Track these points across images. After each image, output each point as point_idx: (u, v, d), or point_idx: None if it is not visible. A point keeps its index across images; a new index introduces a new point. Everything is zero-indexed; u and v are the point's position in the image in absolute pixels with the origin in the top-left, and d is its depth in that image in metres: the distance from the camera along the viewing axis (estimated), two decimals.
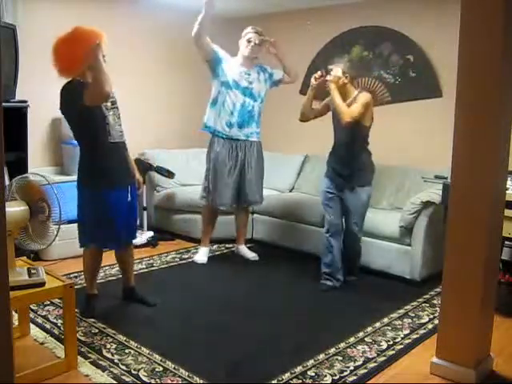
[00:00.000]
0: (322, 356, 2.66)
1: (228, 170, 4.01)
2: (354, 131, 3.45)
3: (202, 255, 4.22)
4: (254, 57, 4.09)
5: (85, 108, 2.78)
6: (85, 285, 3.24)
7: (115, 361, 2.55)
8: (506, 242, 3.47)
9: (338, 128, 3.53)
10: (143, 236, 4.58)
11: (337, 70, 3.46)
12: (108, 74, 2.75)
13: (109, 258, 3.68)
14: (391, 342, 2.84)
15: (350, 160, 3.54)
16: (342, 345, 2.79)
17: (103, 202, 2.93)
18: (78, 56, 2.78)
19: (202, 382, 2.39)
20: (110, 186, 2.94)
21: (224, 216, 4.38)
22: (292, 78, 4.22)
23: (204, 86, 4.25)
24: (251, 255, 4.31)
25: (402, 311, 3.27)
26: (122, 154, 3.02)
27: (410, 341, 2.87)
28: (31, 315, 2.98)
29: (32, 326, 2.88)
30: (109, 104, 2.92)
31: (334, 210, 3.60)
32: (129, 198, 3.03)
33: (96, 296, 3.17)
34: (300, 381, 2.43)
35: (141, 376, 2.42)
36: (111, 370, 2.47)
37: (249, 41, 4.00)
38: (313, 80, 3.59)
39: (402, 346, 2.80)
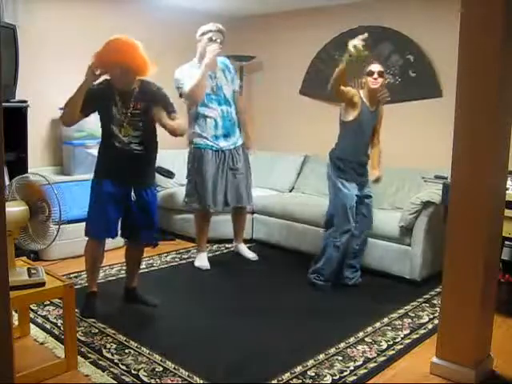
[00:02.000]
0: (321, 356, 2.66)
1: (216, 174, 3.94)
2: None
3: (203, 261, 4.08)
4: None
5: None
6: (85, 285, 3.24)
7: (115, 361, 2.55)
8: (506, 242, 3.46)
9: (366, 129, 3.54)
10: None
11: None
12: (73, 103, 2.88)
13: (109, 258, 3.69)
14: (391, 342, 2.84)
15: (367, 158, 3.65)
16: (342, 345, 2.79)
17: (95, 192, 3.02)
18: None
19: (201, 382, 2.39)
20: (104, 177, 3.00)
21: (224, 216, 4.38)
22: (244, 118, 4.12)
23: None
24: (251, 255, 4.29)
25: (402, 311, 3.27)
26: (124, 158, 2.99)
27: (409, 341, 2.87)
28: (31, 315, 2.98)
29: (32, 325, 2.88)
30: (128, 114, 2.97)
31: (354, 213, 3.58)
32: (133, 198, 3.04)
33: (95, 294, 3.16)
34: (300, 381, 2.43)
35: (141, 376, 2.42)
36: (111, 369, 2.47)
37: (211, 39, 3.75)
38: (359, 42, 3.18)
39: (402, 346, 2.80)
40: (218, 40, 3.80)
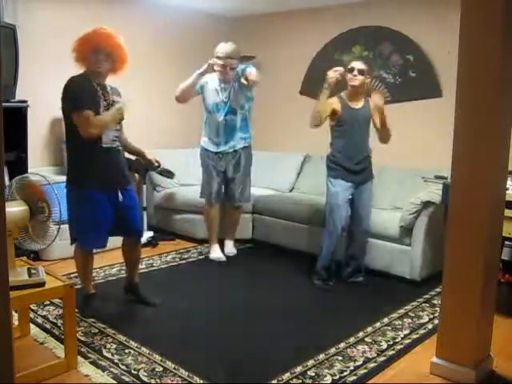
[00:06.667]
0: (322, 356, 2.66)
1: (218, 173, 4.17)
2: (369, 130, 3.61)
3: (218, 253, 4.23)
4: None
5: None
6: None
7: (115, 361, 2.55)
8: (506, 242, 3.46)
9: (355, 128, 3.54)
10: (143, 236, 4.57)
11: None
12: None
13: (109, 258, 3.69)
14: (391, 342, 2.84)
15: (365, 156, 3.62)
16: (342, 345, 2.79)
17: (86, 203, 2.90)
18: None
19: (201, 382, 2.39)
20: (93, 187, 2.89)
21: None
22: None
23: None
24: (229, 250, 4.33)
25: (401, 311, 3.27)
26: (110, 158, 2.95)
27: (409, 341, 2.87)
28: (31, 315, 2.98)
29: (32, 326, 2.88)
30: (108, 108, 2.91)
31: (345, 212, 3.59)
32: (120, 199, 2.98)
33: (94, 295, 3.16)
34: (300, 381, 2.43)
35: (141, 376, 2.42)
36: (111, 369, 2.47)
37: (224, 66, 3.92)
38: (333, 75, 3.38)
39: (402, 346, 2.80)
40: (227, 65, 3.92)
